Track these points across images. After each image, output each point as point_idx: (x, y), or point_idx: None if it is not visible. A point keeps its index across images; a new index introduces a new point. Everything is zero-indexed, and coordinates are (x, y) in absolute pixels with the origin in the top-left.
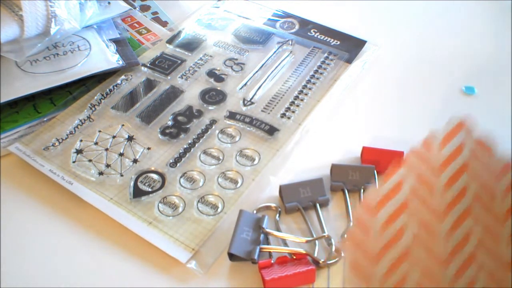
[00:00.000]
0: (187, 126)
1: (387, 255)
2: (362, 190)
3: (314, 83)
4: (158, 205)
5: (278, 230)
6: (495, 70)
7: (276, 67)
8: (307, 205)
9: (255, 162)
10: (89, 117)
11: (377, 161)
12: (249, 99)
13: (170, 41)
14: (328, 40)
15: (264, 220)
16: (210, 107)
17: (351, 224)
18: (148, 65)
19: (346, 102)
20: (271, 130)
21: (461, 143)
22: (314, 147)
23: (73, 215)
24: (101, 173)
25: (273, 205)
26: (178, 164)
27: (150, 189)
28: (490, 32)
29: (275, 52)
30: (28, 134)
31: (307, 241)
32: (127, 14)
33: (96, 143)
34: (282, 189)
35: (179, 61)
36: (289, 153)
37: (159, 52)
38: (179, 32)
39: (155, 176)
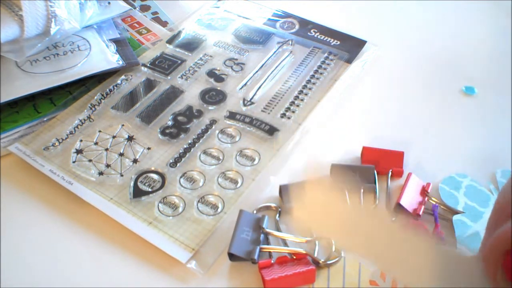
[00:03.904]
0: (187, 126)
1: None
2: (362, 190)
3: (314, 83)
4: (158, 205)
5: (278, 230)
6: (495, 70)
7: (276, 67)
8: None
9: (255, 162)
10: (89, 117)
11: (377, 161)
12: (249, 99)
13: (170, 41)
14: (328, 40)
15: (264, 220)
16: (210, 107)
17: None
18: (148, 65)
19: (346, 102)
20: (271, 130)
21: None
22: (314, 147)
23: (73, 215)
24: (101, 173)
25: (273, 205)
26: (178, 164)
27: (150, 189)
28: (490, 32)
29: (275, 52)
30: (28, 134)
31: (307, 241)
32: (127, 14)
33: (96, 143)
34: (282, 189)
35: (179, 61)
36: (289, 153)
37: (159, 52)
38: (179, 32)
39: (155, 176)
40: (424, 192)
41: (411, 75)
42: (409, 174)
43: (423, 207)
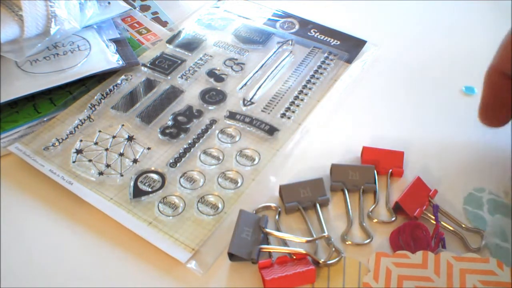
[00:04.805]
0: (187, 126)
1: None
2: (362, 190)
3: (314, 83)
4: (158, 205)
5: (278, 230)
6: None
7: (276, 67)
8: (307, 205)
9: (255, 162)
10: (89, 117)
11: (377, 161)
12: (249, 99)
13: (170, 41)
14: (328, 40)
15: (264, 220)
16: (210, 107)
17: (351, 224)
18: (148, 65)
19: (346, 102)
20: (271, 130)
21: None
22: (314, 147)
23: (73, 215)
24: (101, 173)
25: (273, 205)
26: (178, 164)
27: (150, 189)
28: (490, 32)
29: (275, 52)
30: (28, 134)
31: (307, 241)
32: (127, 14)
33: (96, 143)
34: (282, 189)
35: (179, 61)
36: (289, 153)
37: (159, 52)
38: (179, 32)
39: (155, 176)
40: (427, 197)
41: (411, 75)
42: (417, 178)
43: (423, 208)
